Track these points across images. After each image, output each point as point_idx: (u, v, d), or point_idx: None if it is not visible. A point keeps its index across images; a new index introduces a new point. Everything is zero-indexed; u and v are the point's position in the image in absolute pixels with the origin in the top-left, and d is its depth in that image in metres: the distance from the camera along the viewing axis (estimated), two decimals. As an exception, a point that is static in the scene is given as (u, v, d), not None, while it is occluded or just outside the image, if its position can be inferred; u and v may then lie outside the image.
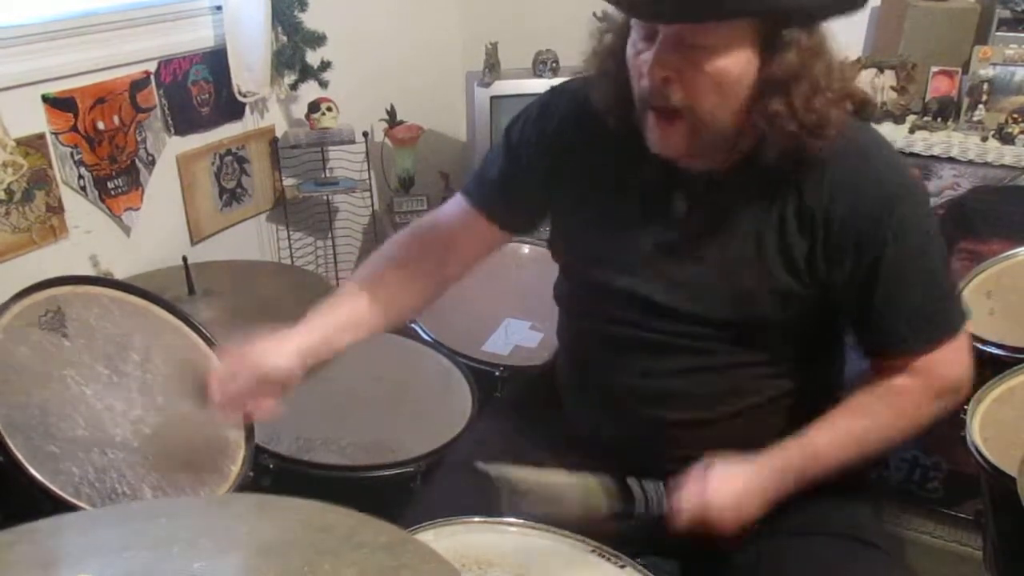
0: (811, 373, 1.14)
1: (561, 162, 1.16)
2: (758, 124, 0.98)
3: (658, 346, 1.12)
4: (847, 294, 1.05)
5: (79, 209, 1.86)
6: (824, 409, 1.13)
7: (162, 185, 2.06)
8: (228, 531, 0.49)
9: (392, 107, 2.57)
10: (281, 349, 1.13)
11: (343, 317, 1.20)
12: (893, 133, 2.08)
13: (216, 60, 2.10)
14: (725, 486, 1.04)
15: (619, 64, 1.05)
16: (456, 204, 1.26)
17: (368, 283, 1.22)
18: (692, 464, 1.07)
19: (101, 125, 1.86)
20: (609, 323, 1.15)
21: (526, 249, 2.11)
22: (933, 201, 2.11)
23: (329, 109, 2.30)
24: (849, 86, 1.01)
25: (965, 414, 1.32)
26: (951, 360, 1.09)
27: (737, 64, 0.95)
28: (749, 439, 1.09)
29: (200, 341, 1.42)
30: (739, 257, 1.06)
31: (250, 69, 2.12)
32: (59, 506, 1.13)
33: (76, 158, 1.82)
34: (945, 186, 2.09)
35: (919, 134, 2.09)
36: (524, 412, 1.34)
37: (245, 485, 1.30)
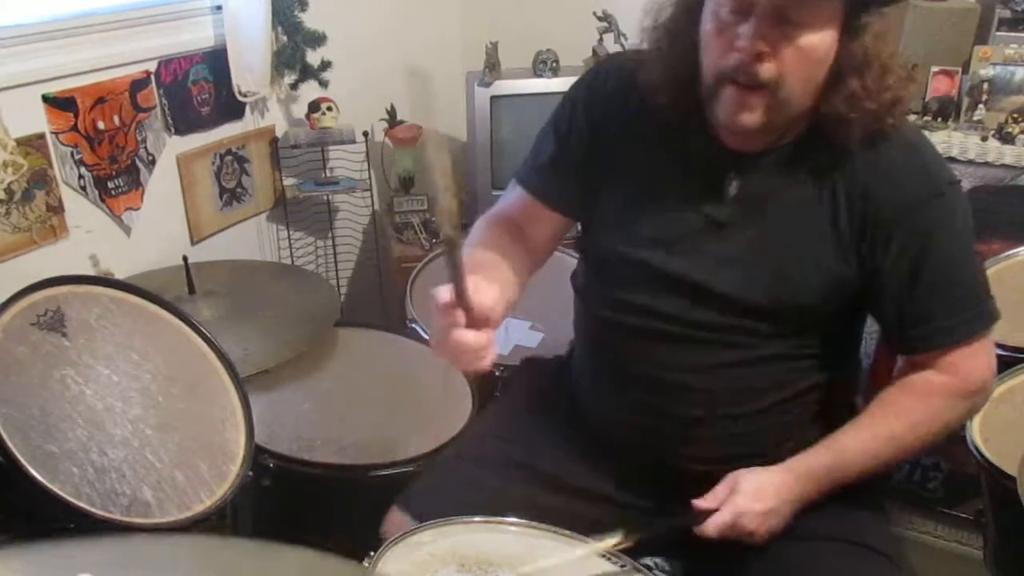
0: (835, 369, 1.15)
1: (610, 143, 1.16)
2: (835, 104, 1.01)
3: (694, 338, 1.12)
4: (891, 280, 1.06)
5: (79, 209, 1.86)
6: (843, 407, 1.14)
7: (162, 185, 2.06)
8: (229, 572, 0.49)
9: (392, 107, 2.57)
10: (487, 290, 1.01)
11: (496, 275, 1.13)
12: (893, 133, 2.08)
13: (216, 60, 2.10)
14: (757, 497, 1.05)
15: (674, 39, 1.06)
16: (514, 193, 1.27)
17: (483, 256, 1.17)
18: (710, 460, 1.10)
19: (101, 125, 1.86)
20: (645, 312, 1.14)
21: (526, 249, 2.11)
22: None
23: (329, 109, 2.30)
24: (908, 67, 1.05)
25: (965, 414, 1.31)
26: (981, 359, 1.10)
27: (824, 43, 0.98)
28: (771, 435, 1.10)
29: (200, 341, 1.42)
30: (789, 238, 1.07)
31: (250, 69, 2.12)
32: (59, 506, 1.13)
33: (76, 158, 1.82)
34: (945, 186, 2.09)
35: (919, 134, 2.08)
36: (538, 404, 1.34)
37: (245, 485, 1.30)
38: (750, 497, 1.05)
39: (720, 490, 1.07)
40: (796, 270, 1.07)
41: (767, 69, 0.97)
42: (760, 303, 1.08)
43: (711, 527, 1.05)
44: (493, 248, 1.19)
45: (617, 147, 1.16)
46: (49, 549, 0.46)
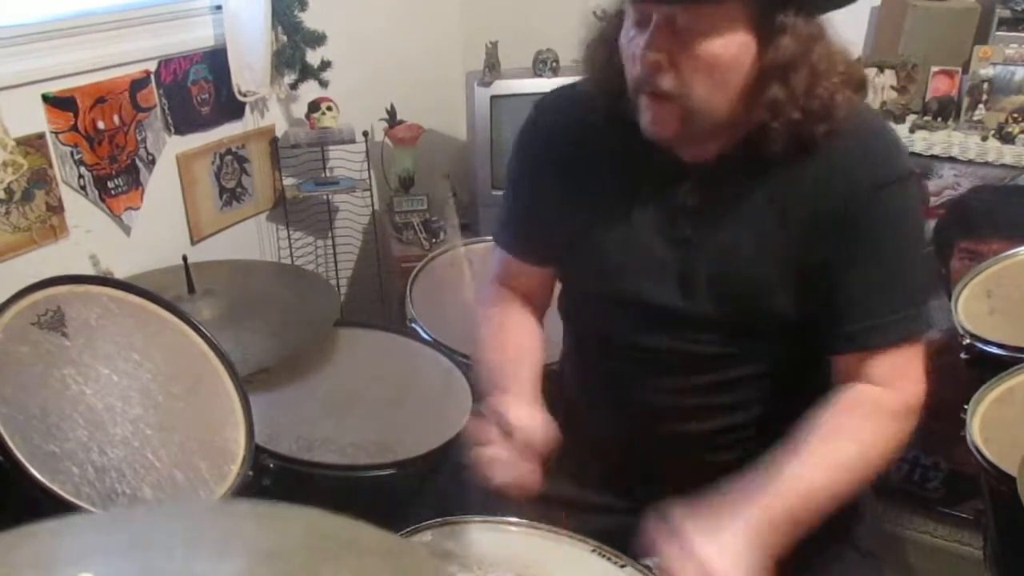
0: (809, 385, 1.10)
1: (565, 179, 1.14)
2: (756, 111, 0.98)
3: (671, 359, 1.10)
4: (831, 272, 1.02)
5: (79, 209, 1.86)
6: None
7: (162, 185, 2.06)
8: (230, 535, 0.48)
9: (392, 107, 2.57)
10: (532, 417, 1.07)
11: (525, 358, 1.18)
12: (893, 133, 2.08)
13: (216, 60, 2.10)
14: (722, 555, 0.92)
15: (610, 53, 1.04)
16: (496, 253, 1.27)
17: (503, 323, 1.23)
18: (697, 474, 1.01)
19: (101, 125, 1.86)
20: (621, 336, 1.13)
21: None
22: (933, 201, 2.11)
23: (329, 109, 2.30)
24: (853, 70, 1.01)
25: (965, 414, 1.31)
26: (915, 372, 1.04)
27: (730, 49, 0.95)
28: (753, 451, 1.08)
29: (200, 341, 1.42)
30: (747, 250, 1.04)
31: (250, 69, 2.12)
32: (59, 506, 1.13)
33: (76, 158, 1.82)
34: (945, 186, 2.09)
35: (919, 134, 2.08)
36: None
37: (245, 485, 1.30)
38: (714, 559, 0.91)
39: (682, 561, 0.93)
40: (756, 278, 1.05)
41: (667, 80, 0.96)
42: (728, 319, 1.06)
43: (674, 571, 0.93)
44: (512, 326, 1.22)
45: (572, 181, 1.14)
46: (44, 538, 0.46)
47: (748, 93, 0.98)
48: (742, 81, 0.97)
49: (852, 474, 0.99)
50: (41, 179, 1.76)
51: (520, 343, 1.20)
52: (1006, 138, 2.01)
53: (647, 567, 1.03)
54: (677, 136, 1.02)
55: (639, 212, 1.09)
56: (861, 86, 1.07)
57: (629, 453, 1.18)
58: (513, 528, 1.09)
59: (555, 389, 1.31)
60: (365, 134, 2.40)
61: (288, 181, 2.41)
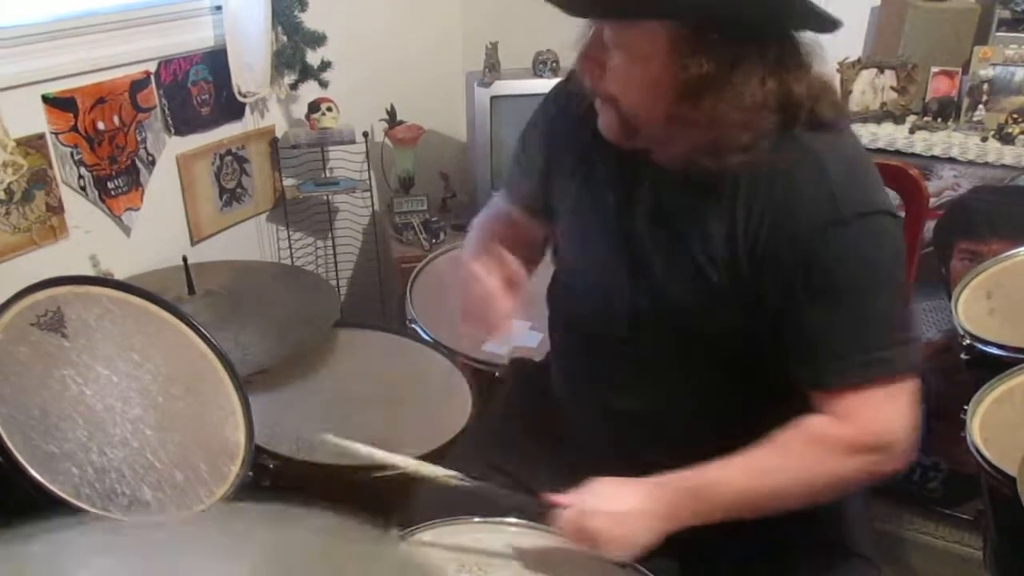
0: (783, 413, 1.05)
1: (552, 162, 1.18)
2: (674, 129, 0.98)
3: (622, 354, 1.12)
4: (785, 311, 0.99)
5: (79, 209, 1.86)
6: None
7: (162, 185, 2.06)
8: (235, 538, 0.49)
9: (392, 107, 2.57)
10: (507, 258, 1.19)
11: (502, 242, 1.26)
12: (893, 133, 2.08)
13: (216, 60, 2.10)
14: (608, 500, 0.98)
15: None
16: (500, 197, 1.33)
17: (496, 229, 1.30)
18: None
19: (101, 125, 1.86)
20: (579, 326, 1.17)
21: (526, 249, 2.11)
22: (933, 201, 2.10)
23: (329, 109, 2.30)
24: (787, 95, 0.96)
25: (965, 414, 1.31)
26: (884, 411, 0.98)
27: (650, 66, 0.95)
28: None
29: (200, 341, 1.42)
30: (692, 259, 1.03)
31: (250, 69, 2.12)
32: (59, 506, 1.13)
33: (76, 158, 1.82)
34: (945, 186, 2.09)
35: (919, 134, 2.08)
36: (525, 408, 1.35)
37: (245, 485, 1.30)
38: (600, 498, 0.99)
39: (573, 498, 1.01)
40: (694, 292, 1.04)
41: (600, 86, 1.01)
42: (673, 322, 1.06)
43: (559, 523, 1.00)
44: (503, 226, 1.29)
45: (557, 167, 1.18)
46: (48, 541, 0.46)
47: (672, 107, 0.97)
48: (666, 96, 0.96)
49: (772, 486, 0.98)
50: (41, 180, 1.76)
51: (501, 233, 1.28)
52: (1006, 139, 2.01)
53: (647, 566, 1.04)
54: (622, 138, 1.04)
55: (603, 206, 1.11)
56: (833, 107, 1.01)
57: (600, 443, 1.18)
58: (513, 528, 1.09)
59: (543, 386, 1.33)
60: (365, 134, 2.40)
61: (288, 182, 2.41)
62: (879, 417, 0.98)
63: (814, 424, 1.00)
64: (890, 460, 1.00)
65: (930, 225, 2.02)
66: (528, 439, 1.28)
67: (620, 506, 0.98)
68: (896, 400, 0.99)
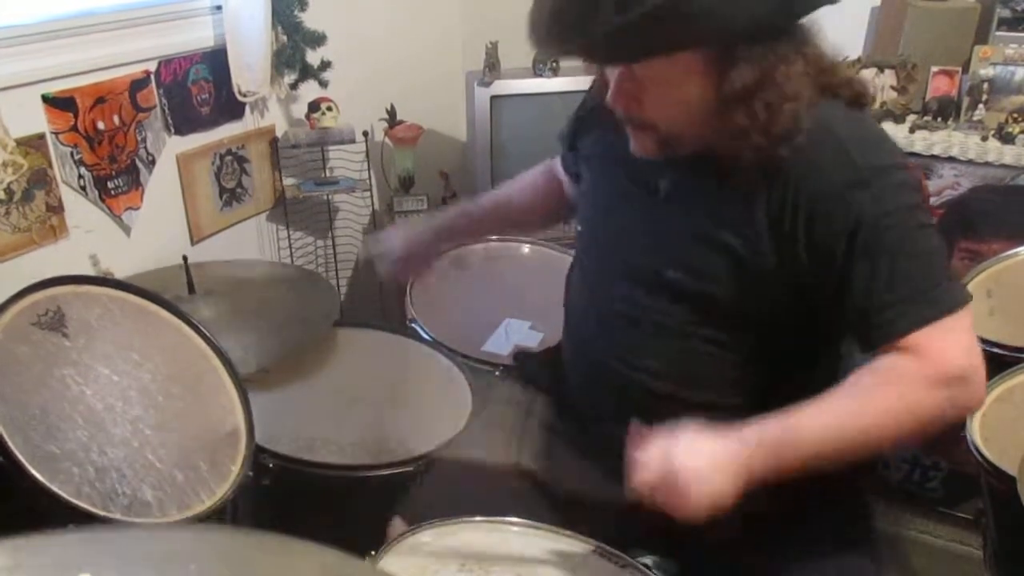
0: (796, 381, 1.06)
1: (587, 139, 1.26)
2: (722, 136, 1.00)
3: (638, 322, 1.13)
4: (832, 275, 1.01)
5: (79, 209, 1.86)
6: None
7: (162, 185, 2.06)
8: (245, 564, 0.48)
9: (392, 107, 2.57)
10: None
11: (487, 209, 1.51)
12: (894, 133, 2.08)
13: (216, 60, 2.10)
14: (694, 453, 0.94)
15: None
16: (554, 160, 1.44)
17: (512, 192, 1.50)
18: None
19: (101, 125, 1.86)
20: (596, 296, 1.19)
21: (526, 249, 2.10)
22: (933, 201, 2.11)
23: (329, 109, 2.30)
24: (830, 79, 1.02)
25: (965, 414, 1.32)
26: (952, 343, 0.99)
27: (688, 89, 1.00)
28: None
29: (200, 341, 1.42)
30: (710, 230, 1.06)
31: (250, 69, 2.12)
32: (59, 506, 1.13)
33: (76, 158, 1.82)
34: (945, 186, 2.09)
35: (919, 134, 2.08)
36: (525, 401, 1.36)
37: (245, 485, 1.30)
38: (684, 453, 0.94)
39: (655, 447, 0.96)
40: (713, 261, 1.06)
41: (637, 115, 1.05)
42: (689, 293, 1.09)
43: (638, 481, 0.95)
44: (528, 188, 1.48)
45: (590, 144, 1.26)
46: (48, 543, 0.46)
47: (718, 118, 1.00)
48: (707, 110, 1.00)
49: (858, 431, 0.97)
50: (41, 179, 1.76)
51: (505, 195, 1.51)
52: (1006, 138, 2.01)
53: (646, 566, 1.04)
54: (657, 155, 1.08)
55: (624, 185, 1.17)
56: (858, 97, 1.05)
57: (609, 419, 1.17)
58: (513, 528, 1.09)
59: (555, 370, 1.33)
60: (365, 134, 2.40)
61: (288, 181, 2.41)
62: (952, 349, 0.99)
63: (888, 363, 1.00)
64: (968, 393, 1.00)
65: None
66: (535, 432, 1.28)
67: (706, 464, 0.93)
68: (963, 332, 1.01)
